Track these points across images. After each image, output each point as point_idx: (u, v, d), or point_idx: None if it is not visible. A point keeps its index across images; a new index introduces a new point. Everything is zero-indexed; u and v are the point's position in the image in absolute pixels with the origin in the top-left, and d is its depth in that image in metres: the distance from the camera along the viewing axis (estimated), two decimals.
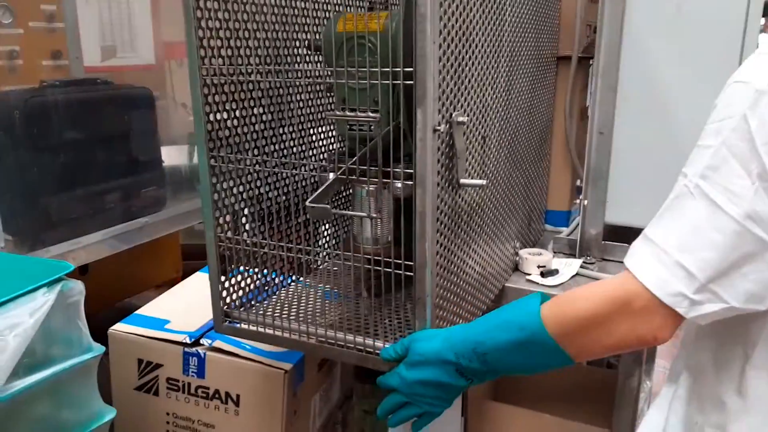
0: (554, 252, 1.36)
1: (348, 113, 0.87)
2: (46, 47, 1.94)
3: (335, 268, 1.15)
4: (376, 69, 0.83)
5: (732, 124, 0.65)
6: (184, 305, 1.43)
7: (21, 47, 1.88)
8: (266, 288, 1.07)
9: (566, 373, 1.53)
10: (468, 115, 0.84)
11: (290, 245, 0.95)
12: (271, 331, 0.96)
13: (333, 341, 0.91)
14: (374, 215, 0.91)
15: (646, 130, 1.25)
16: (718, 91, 1.18)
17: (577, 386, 1.49)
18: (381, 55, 0.89)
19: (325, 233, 1.22)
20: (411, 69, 0.76)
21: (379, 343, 0.88)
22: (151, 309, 1.41)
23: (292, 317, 0.98)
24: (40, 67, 1.93)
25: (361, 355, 0.90)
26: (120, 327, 1.32)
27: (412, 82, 0.76)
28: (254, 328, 0.97)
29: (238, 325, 0.98)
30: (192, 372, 1.27)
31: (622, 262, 1.29)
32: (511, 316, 0.76)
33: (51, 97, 1.35)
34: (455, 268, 0.91)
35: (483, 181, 0.84)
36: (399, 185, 0.97)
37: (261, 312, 1.00)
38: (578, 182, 1.59)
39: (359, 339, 0.89)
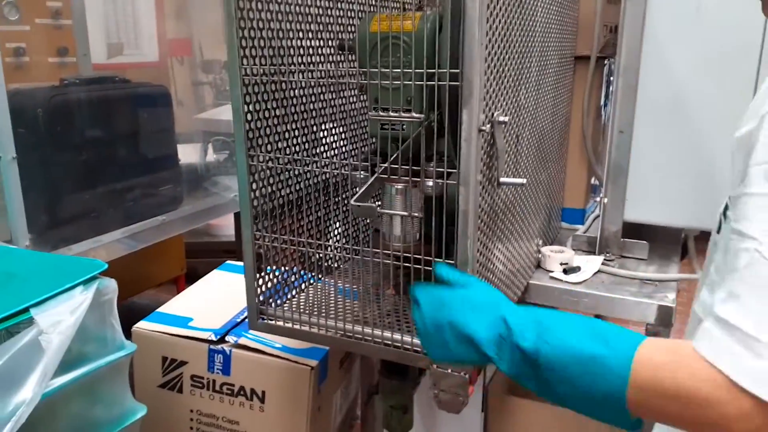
0: (573, 249, 1.38)
1: (391, 113, 0.87)
2: (52, 44, 1.94)
3: (361, 266, 1.16)
4: (418, 70, 0.84)
5: None
6: (206, 303, 1.44)
7: (27, 44, 1.88)
8: (298, 286, 1.08)
9: None
10: (507, 115, 0.85)
11: (327, 243, 0.96)
12: (306, 328, 0.97)
13: (370, 338, 0.92)
14: (416, 214, 0.92)
15: (665, 129, 1.27)
16: (737, 92, 1.22)
17: None
18: (416, 55, 0.90)
19: (335, 231, 1.23)
20: (456, 70, 0.77)
21: (417, 341, 0.89)
22: (173, 307, 1.42)
23: (323, 315, 0.99)
24: (47, 64, 1.92)
25: (399, 351, 0.91)
26: (144, 325, 1.32)
27: (457, 83, 0.77)
28: (289, 325, 0.98)
29: (273, 323, 0.99)
30: (217, 369, 1.28)
31: (640, 259, 1.33)
32: (605, 331, 0.65)
33: (73, 96, 1.35)
34: (491, 265, 0.92)
35: (523, 180, 0.86)
36: (430, 183, 0.99)
37: (293, 309, 1.01)
38: (593, 180, 1.61)
39: (397, 336, 0.90)
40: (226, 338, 1.29)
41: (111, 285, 1.01)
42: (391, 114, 0.87)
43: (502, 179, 0.85)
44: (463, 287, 0.74)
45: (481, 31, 0.74)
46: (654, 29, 1.23)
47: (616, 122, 1.28)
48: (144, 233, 1.50)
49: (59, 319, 0.88)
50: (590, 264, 1.29)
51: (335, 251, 1.09)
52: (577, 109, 1.49)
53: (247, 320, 1.34)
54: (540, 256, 1.29)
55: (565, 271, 1.25)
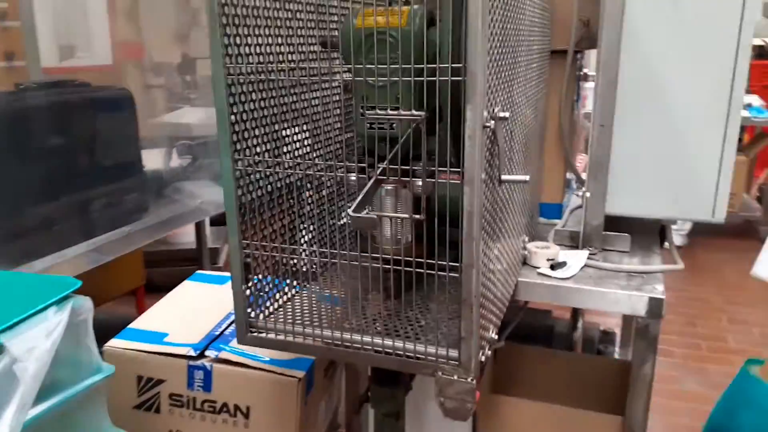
0: (556, 244, 1.37)
1: (389, 112, 0.83)
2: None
3: (350, 272, 1.11)
4: (405, 65, 0.81)
5: None
6: (180, 316, 1.37)
7: None
8: (284, 295, 1.03)
9: (568, 364, 1.55)
10: (506, 111, 0.82)
11: (322, 250, 0.91)
12: (301, 340, 0.92)
13: (370, 347, 0.88)
14: (417, 216, 0.88)
15: (644, 122, 1.27)
16: (715, 84, 1.23)
17: (580, 377, 1.51)
18: (406, 51, 0.87)
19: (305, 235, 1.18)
20: (459, 65, 0.74)
21: (420, 347, 0.86)
22: (145, 322, 1.34)
23: (318, 325, 0.94)
24: None
25: (401, 360, 0.87)
26: (115, 343, 1.25)
27: (458, 77, 0.74)
28: (282, 338, 0.93)
29: (265, 336, 0.94)
30: (198, 386, 1.22)
31: (623, 252, 1.33)
32: None
33: (31, 101, 1.26)
34: (491, 266, 0.89)
35: (526, 177, 0.83)
36: (419, 183, 0.96)
37: (287, 320, 0.95)
38: (567, 174, 1.60)
39: (399, 344, 0.87)
40: (206, 353, 1.23)
41: (86, 304, 0.94)
42: (389, 112, 0.83)
43: (503, 177, 0.83)
44: None
45: (484, 24, 0.71)
46: (632, 23, 1.23)
47: (597, 116, 1.28)
48: (110, 245, 1.41)
49: (33, 344, 0.81)
50: (576, 259, 1.28)
51: (325, 257, 1.04)
52: (554, 104, 1.48)
53: (227, 333, 1.29)
54: (526, 252, 1.27)
55: (552, 267, 1.24)
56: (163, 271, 3.42)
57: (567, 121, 1.49)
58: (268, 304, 0.98)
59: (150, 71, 2.66)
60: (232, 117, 0.86)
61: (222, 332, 1.29)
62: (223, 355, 1.21)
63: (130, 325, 1.32)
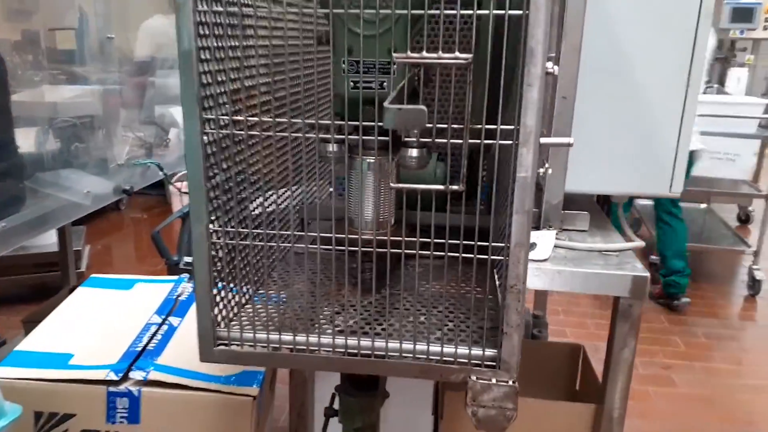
0: None
1: (426, 54, 0.66)
2: None
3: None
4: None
5: None
6: (83, 332, 1.10)
7: None
8: (245, 295, 0.83)
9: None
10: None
11: (302, 233, 0.73)
12: (288, 350, 0.73)
13: (383, 353, 0.72)
14: (455, 187, 0.72)
15: (605, 97, 1.22)
16: (678, 55, 1.20)
17: (533, 363, 1.44)
18: None
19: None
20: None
21: (449, 349, 0.71)
22: (37, 342, 1.05)
23: (313, 330, 0.75)
24: None
25: (423, 366, 0.72)
26: (4, 372, 0.96)
27: (518, 11, 0.60)
28: (264, 350, 0.73)
29: (240, 349, 0.73)
30: (120, 418, 0.97)
31: (582, 231, 1.28)
32: None
33: None
34: None
35: (570, 139, 0.71)
36: (415, 154, 0.82)
37: (261, 329, 0.75)
38: None
39: (420, 347, 0.71)
40: (130, 375, 0.98)
41: None
42: (425, 54, 0.66)
43: (543, 140, 0.70)
44: None
45: None
46: None
47: (559, 87, 1.20)
48: None
49: None
50: (544, 239, 1.20)
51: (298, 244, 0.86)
52: None
53: (150, 348, 1.05)
54: None
55: None
56: (14, 280, 2.93)
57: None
58: (235, 308, 0.78)
59: None
60: (203, 65, 0.64)
61: (144, 348, 1.05)
62: (153, 375, 0.97)
63: (18, 347, 1.02)
